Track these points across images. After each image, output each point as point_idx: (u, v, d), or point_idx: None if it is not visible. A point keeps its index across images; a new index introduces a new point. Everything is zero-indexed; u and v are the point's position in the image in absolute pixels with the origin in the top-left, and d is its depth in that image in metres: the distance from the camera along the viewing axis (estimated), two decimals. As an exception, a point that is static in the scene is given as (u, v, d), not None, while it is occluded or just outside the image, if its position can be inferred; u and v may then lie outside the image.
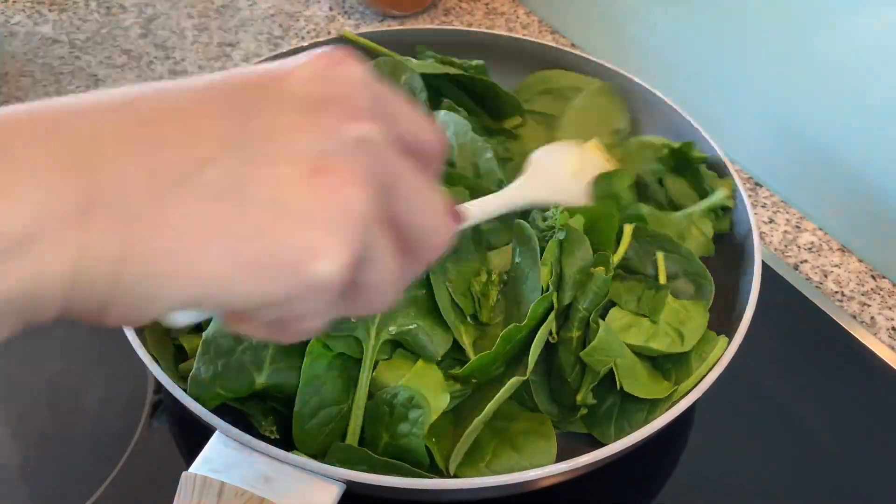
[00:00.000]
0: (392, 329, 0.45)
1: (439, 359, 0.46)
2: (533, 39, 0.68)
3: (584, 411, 0.46)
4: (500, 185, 0.53)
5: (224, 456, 0.39)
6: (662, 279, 0.50)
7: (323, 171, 0.23)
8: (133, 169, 0.21)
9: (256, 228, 0.22)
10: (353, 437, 0.43)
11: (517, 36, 0.68)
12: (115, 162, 0.21)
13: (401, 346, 0.46)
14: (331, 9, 0.91)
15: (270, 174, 0.23)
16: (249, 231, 0.22)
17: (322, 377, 0.43)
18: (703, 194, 0.57)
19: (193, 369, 0.43)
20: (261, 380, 0.43)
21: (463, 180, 0.53)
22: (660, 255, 0.51)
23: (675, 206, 0.57)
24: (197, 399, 0.42)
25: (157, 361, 0.43)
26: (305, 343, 0.44)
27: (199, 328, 0.46)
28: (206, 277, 0.22)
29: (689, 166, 0.58)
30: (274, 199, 0.22)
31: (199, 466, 0.39)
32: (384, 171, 0.25)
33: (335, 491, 0.39)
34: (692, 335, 0.47)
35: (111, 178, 0.21)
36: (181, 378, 0.44)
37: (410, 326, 0.45)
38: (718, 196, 0.55)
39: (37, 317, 0.22)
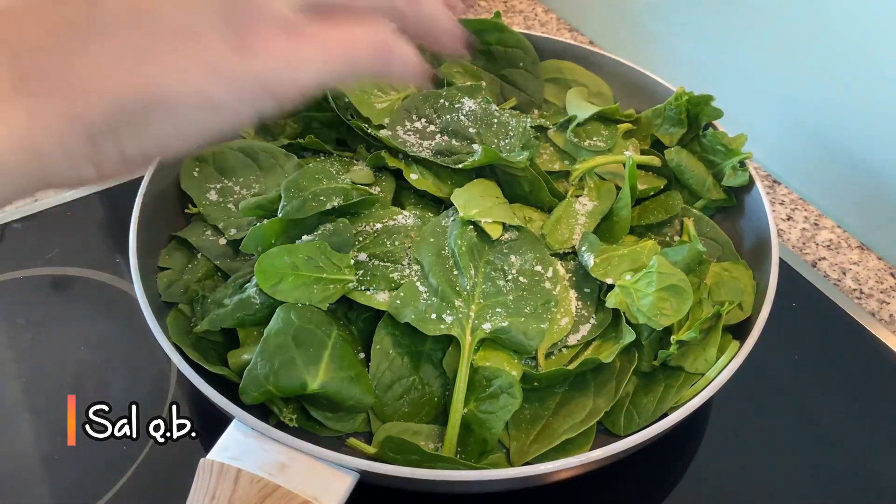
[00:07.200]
0: (487, 327, 0.46)
1: (534, 352, 0.48)
2: (549, 36, 0.68)
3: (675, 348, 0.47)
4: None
5: (241, 443, 0.40)
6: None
7: None
8: (37, 33, 0.26)
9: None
10: (453, 430, 0.45)
11: (536, 34, 0.68)
12: (22, 35, 0.26)
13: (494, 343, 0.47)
14: (351, 7, 0.92)
15: None
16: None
17: (391, 353, 0.47)
18: (711, 164, 0.58)
19: (250, 363, 0.43)
20: (314, 385, 0.42)
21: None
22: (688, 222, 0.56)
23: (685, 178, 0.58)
24: (247, 393, 0.42)
25: (178, 350, 0.44)
26: (359, 351, 0.47)
27: (258, 321, 0.46)
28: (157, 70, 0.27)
29: (701, 128, 0.59)
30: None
31: (216, 453, 0.40)
32: None
33: (349, 480, 0.40)
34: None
35: (25, 49, 0.25)
36: (202, 358, 0.45)
37: (504, 324, 0.47)
38: (732, 180, 0.57)
39: (45, 173, 0.26)
